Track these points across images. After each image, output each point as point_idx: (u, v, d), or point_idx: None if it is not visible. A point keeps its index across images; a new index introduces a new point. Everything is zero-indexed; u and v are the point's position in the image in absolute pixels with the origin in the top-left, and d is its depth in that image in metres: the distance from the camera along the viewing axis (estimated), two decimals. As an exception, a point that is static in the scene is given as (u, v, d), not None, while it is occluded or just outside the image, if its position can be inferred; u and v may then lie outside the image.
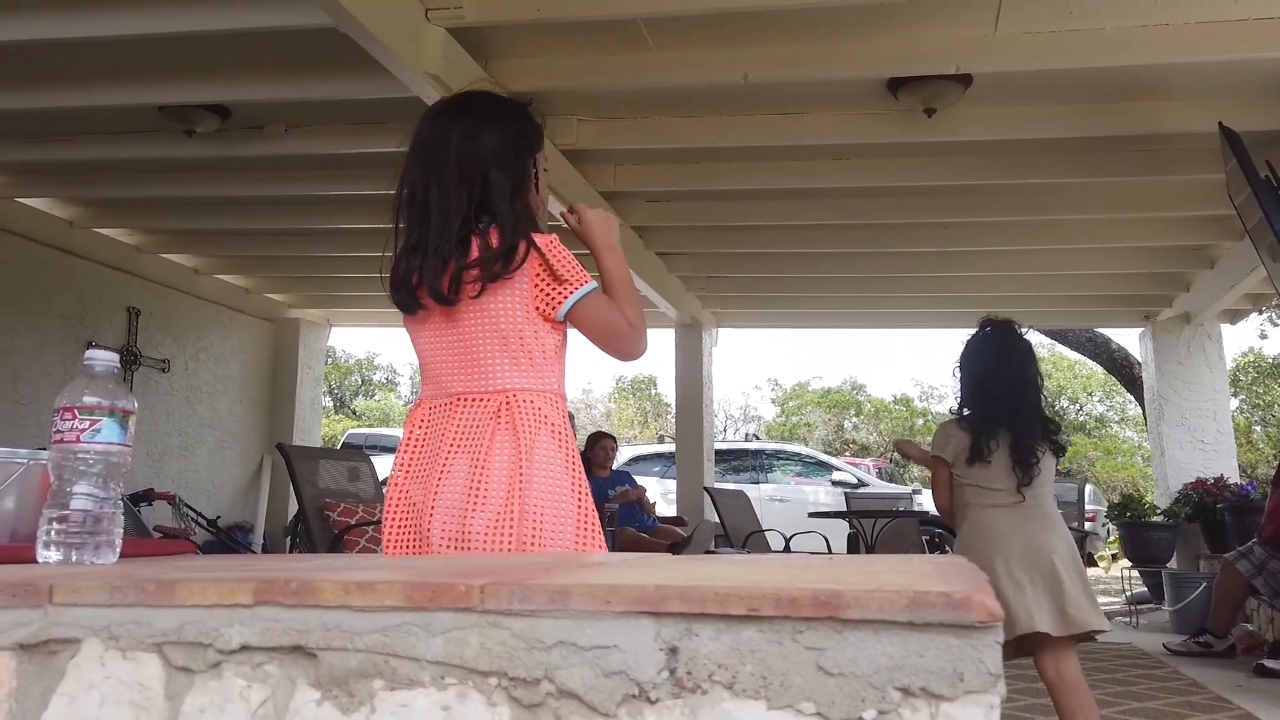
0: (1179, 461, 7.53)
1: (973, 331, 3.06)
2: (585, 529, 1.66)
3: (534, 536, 1.58)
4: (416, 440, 1.71)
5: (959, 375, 3.02)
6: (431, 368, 1.71)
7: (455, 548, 1.59)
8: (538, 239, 1.64)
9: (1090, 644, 5.30)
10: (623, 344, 1.71)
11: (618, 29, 3.80)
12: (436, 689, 0.74)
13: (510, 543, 1.57)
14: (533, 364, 1.65)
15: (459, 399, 1.66)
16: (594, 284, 1.67)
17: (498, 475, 1.60)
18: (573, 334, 1.75)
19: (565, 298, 1.63)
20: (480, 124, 1.70)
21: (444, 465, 1.62)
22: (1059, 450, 2.90)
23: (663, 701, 0.70)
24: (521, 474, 1.60)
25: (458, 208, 1.64)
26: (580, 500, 1.67)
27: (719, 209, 5.99)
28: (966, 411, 2.96)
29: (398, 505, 1.70)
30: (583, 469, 1.72)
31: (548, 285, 1.63)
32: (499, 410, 1.62)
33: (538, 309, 1.64)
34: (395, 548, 1.69)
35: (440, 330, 1.68)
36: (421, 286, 1.64)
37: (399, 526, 1.69)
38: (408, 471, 1.70)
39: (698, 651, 0.71)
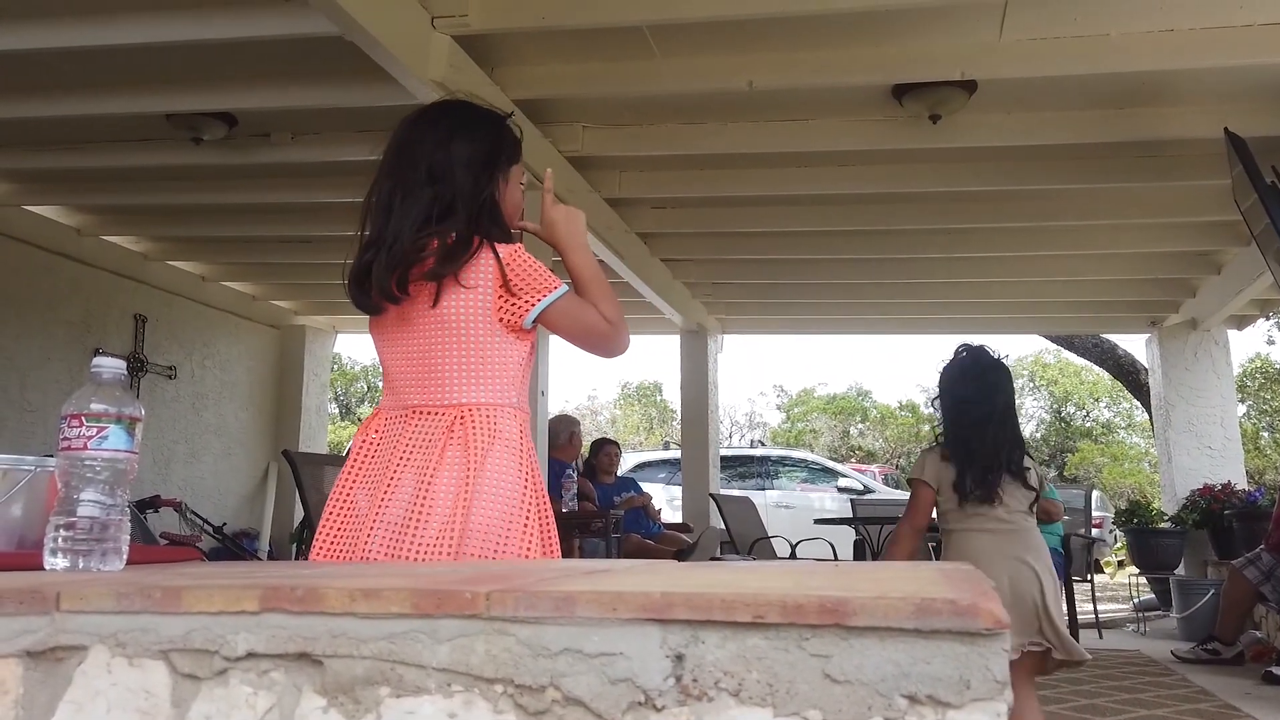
0: (1186, 468, 7.50)
1: (948, 359, 3.08)
2: (545, 547, 1.63)
3: (478, 556, 1.54)
4: (368, 449, 1.67)
5: (936, 405, 3.07)
6: (392, 378, 1.68)
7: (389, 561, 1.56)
8: (500, 248, 1.61)
9: (1097, 653, 5.27)
10: (603, 342, 1.68)
11: (623, 36, 3.81)
12: (442, 696, 0.74)
13: (447, 557, 1.53)
14: (493, 377, 1.61)
15: (414, 411, 1.62)
16: (564, 288, 1.63)
17: (444, 492, 1.55)
18: (556, 341, 1.73)
19: (532, 306, 1.59)
20: (453, 131, 1.68)
21: (391, 479, 1.58)
22: (1023, 480, 2.88)
23: (669, 709, 0.70)
24: (469, 491, 1.55)
25: (419, 208, 1.61)
26: (540, 517, 1.63)
27: (724, 215, 6.00)
28: (943, 438, 3.00)
29: (338, 513, 1.65)
30: (543, 484, 1.69)
31: (511, 294, 1.59)
32: (452, 425, 1.58)
33: (501, 320, 1.60)
34: (325, 555, 1.64)
35: (398, 338, 1.65)
36: (369, 281, 1.61)
37: (334, 534, 1.64)
38: (355, 480, 1.65)
39: (704, 659, 0.70)
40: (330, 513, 1.66)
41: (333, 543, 1.64)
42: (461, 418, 1.59)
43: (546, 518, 1.65)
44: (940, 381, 3.06)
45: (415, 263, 1.58)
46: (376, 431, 1.67)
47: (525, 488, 1.62)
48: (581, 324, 1.65)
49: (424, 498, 1.55)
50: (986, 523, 2.84)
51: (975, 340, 3.12)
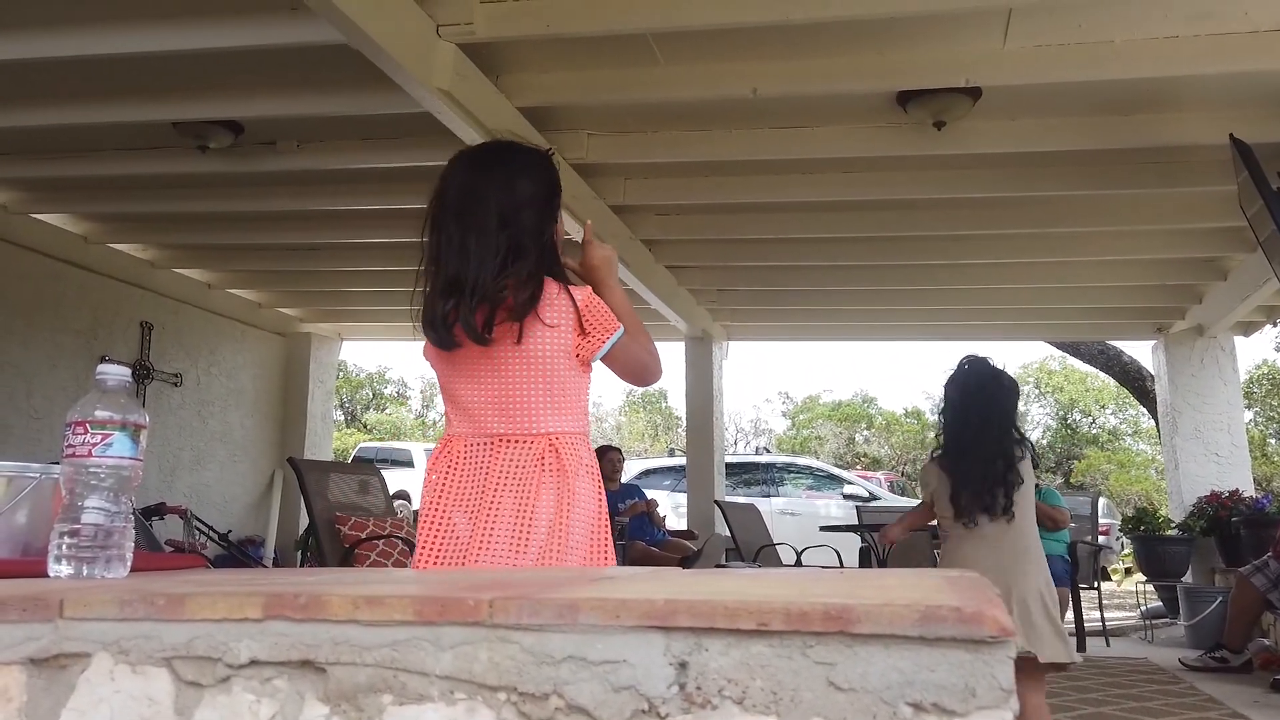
0: (1193, 475, 7.47)
1: (952, 369, 3.16)
2: (609, 559, 1.79)
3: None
4: (454, 473, 1.76)
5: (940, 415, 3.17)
6: (468, 407, 1.77)
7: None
8: (574, 291, 1.75)
9: (1104, 661, 5.26)
10: (646, 374, 1.87)
11: (627, 44, 3.82)
12: (445, 704, 0.74)
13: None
14: (570, 408, 1.76)
15: (501, 440, 1.74)
16: (622, 328, 1.78)
17: (544, 516, 1.69)
18: None
19: (601, 344, 1.75)
20: (514, 173, 1.80)
21: (492, 504, 1.69)
22: (1015, 488, 2.94)
23: (672, 717, 0.70)
24: (564, 514, 1.70)
25: (495, 250, 1.71)
26: (606, 534, 1.79)
27: (728, 222, 6.00)
28: (941, 450, 3.10)
29: (437, 535, 1.75)
30: (607, 504, 1.83)
31: (584, 333, 1.74)
32: (544, 454, 1.72)
33: (577, 355, 1.75)
34: (429, 565, 1.73)
35: (478, 372, 1.75)
36: (458, 324, 1.70)
37: (436, 555, 1.73)
38: (448, 504, 1.75)
39: (707, 666, 0.70)
40: (428, 536, 1.75)
41: (437, 557, 1.73)
42: (551, 446, 1.73)
43: (609, 534, 1.82)
44: (944, 392, 3.13)
45: (499, 304, 1.69)
46: (460, 457, 1.77)
47: (600, 509, 1.79)
48: (634, 359, 1.82)
49: (527, 521, 1.69)
50: (983, 530, 2.90)
51: (981, 346, 3.16)
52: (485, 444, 1.74)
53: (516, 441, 1.72)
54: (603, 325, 1.76)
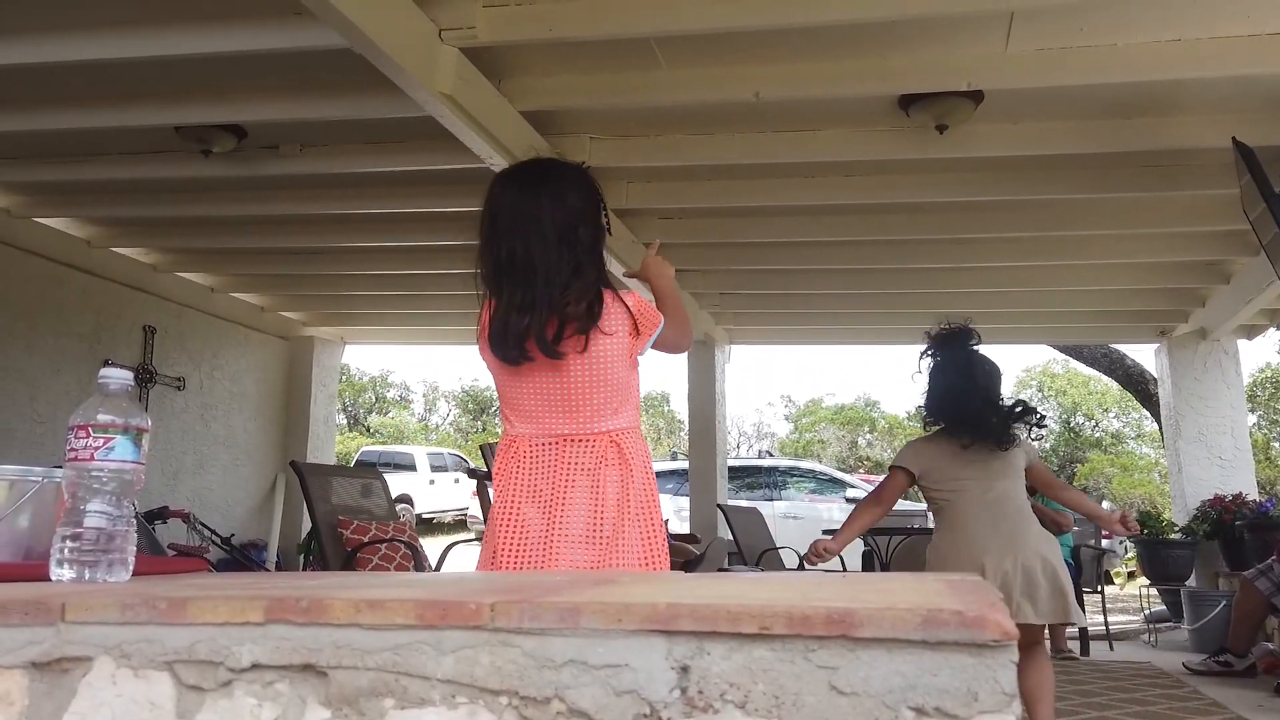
0: (1196, 478, 7.46)
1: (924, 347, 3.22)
2: (664, 546, 1.94)
3: (645, 553, 1.86)
4: (522, 472, 1.89)
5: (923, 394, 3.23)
6: (530, 410, 1.90)
7: (583, 565, 1.81)
8: (626, 297, 1.92)
9: (1108, 665, 5.25)
10: (676, 350, 2.07)
11: (630, 48, 3.82)
12: (447, 708, 0.74)
13: (626, 557, 1.83)
14: (628, 405, 1.93)
15: (566, 439, 1.88)
16: (663, 323, 1.97)
17: (611, 504, 1.84)
18: None
19: (648, 339, 1.93)
20: (563, 189, 1.93)
21: (565, 497, 1.83)
22: (1015, 434, 3.03)
23: (674, 721, 0.70)
24: (629, 501, 1.86)
25: (560, 265, 1.84)
26: (659, 516, 1.95)
27: (731, 226, 6.00)
28: (932, 423, 3.15)
29: (512, 528, 1.86)
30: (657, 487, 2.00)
31: (637, 334, 1.92)
32: (606, 450, 1.87)
33: (630, 354, 1.92)
34: (512, 566, 1.84)
35: (543, 379, 1.88)
36: (530, 340, 1.82)
37: (513, 547, 1.85)
38: (520, 499, 1.88)
39: (709, 670, 0.70)
40: (503, 533, 1.87)
41: (516, 554, 1.84)
42: (613, 442, 1.88)
43: (661, 515, 1.98)
44: (934, 356, 3.18)
45: (567, 319, 1.83)
46: (525, 456, 1.90)
47: (655, 493, 1.95)
48: (671, 343, 2.01)
49: (598, 510, 1.84)
50: (977, 486, 2.98)
51: (984, 349, 3.17)
52: (550, 443, 1.88)
53: (581, 441, 1.87)
54: (650, 322, 1.94)
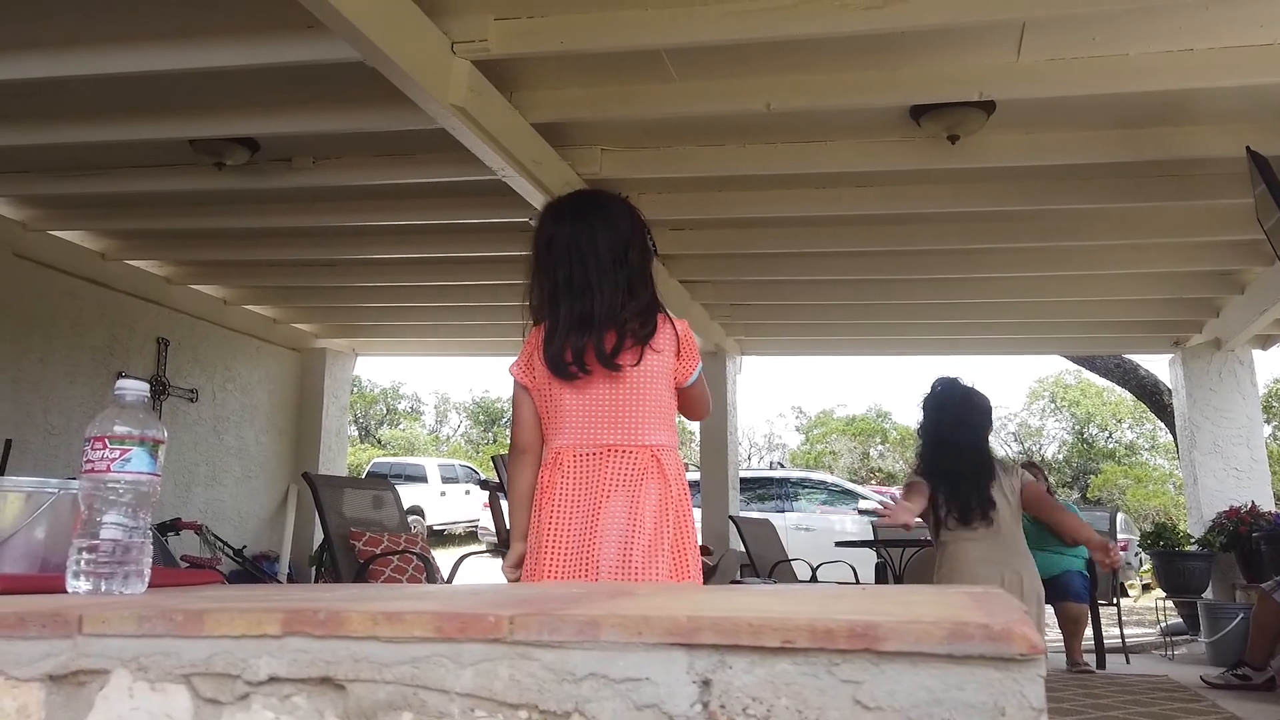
0: (1212, 489, 7.40)
1: (925, 392, 3.44)
2: (698, 563, 2.02)
3: (676, 564, 1.94)
4: (568, 481, 1.98)
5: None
6: (577, 421, 2.00)
7: (619, 571, 1.89)
8: (677, 323, 2.05)
9: (1125, 679, 5.19)
10: (705, 412, 2.17)
11: (641, 60, 3.83)
12: (466, 722, 0.73)
13: (659, 567, 1.90)
14: (668, 423, 2.02)
15: (611, 450, 1.97)
16: (701, 364, 2.10)
17: (650, 514, 1.93)
18: None
19: (691, 371, 2.05)
20: (612, 216, 2.07)
21: (604, 504, 1.92)
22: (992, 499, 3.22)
23: (696, 736, 0.69)
24: (669, 514, 1.95)
25: (615, 286, 1.98)
26: (693, 537, 2.03)
27: (742, 237, 5.99)
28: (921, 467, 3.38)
29: (555, 531, 1.95)
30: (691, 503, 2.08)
31: (680, 359, 2.04)
32: (648, 463, 1.96)
33: (674, 377, 2.03)
34: (558, 566, 1.92)
35: (597, 392, 1.99)
36: (590, 353, 1.94)
37: (558, 550, 1.94)
38: (564, 504, 1.96)
39: (731, 684, 0.69)
40: (545, 533, 1.96)
41: (563, 557, 1.93)
42: (654, 457, 1.97)
43: (694, 532, 2.07)
44: (921, 413, 3.39)
45: (626, 333, 1.97)
46: (570, 466, 1.99)
47: (690, 512, 2.03)
48: (705, 396, 2.13)
49: (636, 518, 1.92)
50: (972, 534, 3.17)
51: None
52: (595, 454, 1.97)
53: (625, 451, 1.96)
54: (693, 355, 2.06)
